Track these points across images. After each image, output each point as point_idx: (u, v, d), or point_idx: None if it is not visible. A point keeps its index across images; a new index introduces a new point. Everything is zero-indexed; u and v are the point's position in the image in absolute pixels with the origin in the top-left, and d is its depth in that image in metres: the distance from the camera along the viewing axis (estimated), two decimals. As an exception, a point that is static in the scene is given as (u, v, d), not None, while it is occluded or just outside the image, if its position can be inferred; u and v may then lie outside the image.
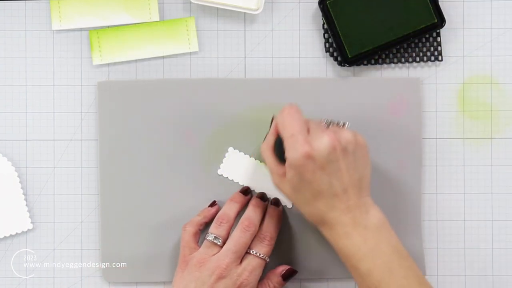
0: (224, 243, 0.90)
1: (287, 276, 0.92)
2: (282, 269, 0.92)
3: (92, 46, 0.95)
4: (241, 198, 0.93)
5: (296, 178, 0.84)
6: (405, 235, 0.94)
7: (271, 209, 0.92)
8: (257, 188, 0.95)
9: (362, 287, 0.84)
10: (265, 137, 0.90)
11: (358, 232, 0.84)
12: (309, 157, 0.83)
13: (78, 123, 0.96)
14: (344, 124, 0.88)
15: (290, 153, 0.84)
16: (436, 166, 0.96)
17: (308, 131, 0.85)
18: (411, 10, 0.93)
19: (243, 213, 0.91)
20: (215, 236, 0.90)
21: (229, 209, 0.92)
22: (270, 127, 0.89)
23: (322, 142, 0.83)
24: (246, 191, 0.93)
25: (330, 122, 0.88)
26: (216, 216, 0.92)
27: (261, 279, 0.92)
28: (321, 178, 0.84)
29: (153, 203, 0.95)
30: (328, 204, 0.84)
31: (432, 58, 0.96)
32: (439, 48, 0.96)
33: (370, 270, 0.83)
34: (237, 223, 0.91)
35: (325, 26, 0.95)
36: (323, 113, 0.94)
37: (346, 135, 0.84)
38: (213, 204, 0.94)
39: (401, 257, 0.84)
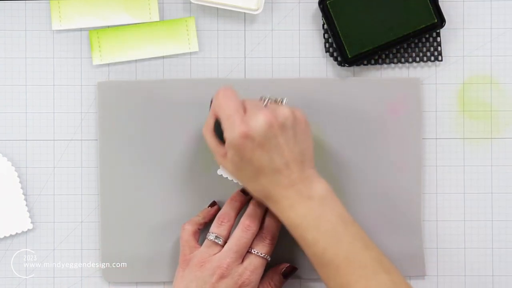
0: (225, 242, 0.90)
1: (288, 274, 0.92)
2: (282, 266, 0.92)
3: (92, 46, 0.95)
4: (241, 197, 0.93)
5: (236, 157, 0.85)
6: (405, 235, 0.94)
7: (272, 209, 0.92)
8: (257, 188, 0.95)
9: (309, 256, 0.85)
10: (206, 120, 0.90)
11: (302, 204, 0.85)
12: (246, 136, 0.84)
13: (78, 123, 0.96)
14: (282, 101, 0.88)
15: (228, 134, 0.85)
16: (436, 166, 0.96)
17: (245, 111, 0.85)
18: (411, 10, 0.93)
19: (243, 212, 0.91)
20: (216, 236, 0.90)
21: (229, 209, 0.92)
22: (209, 110, 0.89)
23: (258, 120, 0.84)
24: (246, 191, 0.93)
25: (268, 100, 0.88)
26: (217, 216, 0.92)
27: (262, 278, 0.92)
28: (261, 155, 0.84)
29: (153, 203, 0.95)
30: (271, 180, 0.85)
31: (432, 58, 0.96)
32: (439, 48, 0.96)
33: (315, 239, 0.84)
34: (238, 223, 0.91)
35: (325, 26, 0.95)
36: (323, 113, 0.94)
37: (283, 111, 0.85)
38: (213, 204, 0.94)
39: (346, 224, 0.85)
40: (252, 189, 0.87)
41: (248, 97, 0.93)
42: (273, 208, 0.87)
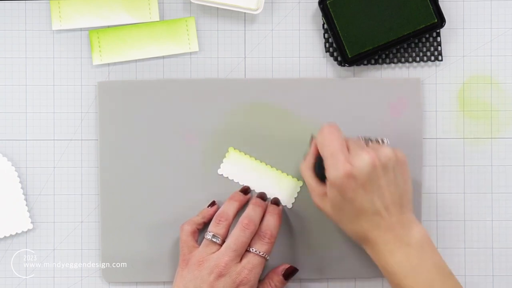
0: (223, 241, 0.90)
1: (288, 275, 0.92)
2: (283, 268, 0.92)
3: (92, 46, 0.95)
4: (240, 197, 0.93)
5: (337, 197, 0.85)
6: (405, 235, 0.94)
7: (271, 208, 0.92)
8: (257, 188, 0.95)
9: None
10: (304, 156, 0.90)
11: (401, 250, 0.84)
12: (350, 176, 0.83)
13: (78, 123, 0.96)
14: (383, 141, 0.88)
15: (331, 172, 0.84)
16: (436, 166, 0.96)
17: (348, 149, 0.85)
18: (411, 10, 0.93)
19: (243, 212, 0.91)
20: (213, 235, 0.90)
21: (228, 208, 0.92)
22: (309, 146, 0.89)
23: (363, 160, 0.83)
24: (245, 191, 0.94)
25: (368, 139, 0.88)
26: (215, 215, 0.92)
27: (262, 279, 0.92)
28: (363, 197, 0.84)
29: (153, 203, 0.95)
30: (370, 222, 0.85)
31: (432, 58, 0.96)
32: (439, 48, 0.96)
33: None
34: (236, 222, 0.91)
35: (325, 26, 0.95)
36: (323, 113, 0.94)
37: (386, 152, 0.85)
38: (212, 204, 0.94)
39: (443, 275, 0.85)
40: (350, 230, 0.87)
41: (248, 97, 0.94)
42: (370, 251, 0.86)
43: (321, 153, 0.86)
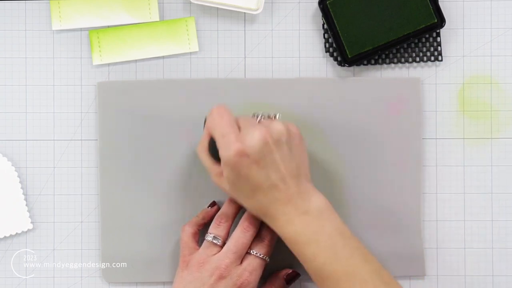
0: (223, 242, 0.90)
1: (290, 280, 0.92)
2: (285, 272, 0.93)
3: (92, 46, 0.95)
4: (239, 198, 0.93)
5: (232, 176, 0.85)
6: (405, 235, 0.94)
7: (271, 210, 0.92)
8: (257, 188, 0.95)
9: (309, 271, 0.85)
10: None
11: (300, 219, 0.85)
12: (242, 154, 0.84)
13: (78, 123, 0.96)
14: (275, 116, 0.88)
15: (224, 152, 0.84)
16: (436, 166, 0.96)
17: (239, 128, 0.85)
18: (411, 10, 0.93)
19: (243, 213, 0.91)
20: (214, 236, 0.90)
21: (228, 209, 0.92)
22: (203, 129, 0.89)
23: (253, 137, 0.84)
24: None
25: (261, 116, 0.88)
26: (215, 216, 0.92)
27: (264, 283, 0.92)
28: (258, 172, 0.84)
29: (153, 203, 0.95)
30: (268, 197, 0.85)
31: (432, 58, 0.96)
32: (439, 48, 0.96)
33: (314, 254, 0.84)
34: (237, 223, 0.91)
35: (325, 26, 0.95)
36: (323, 113, 0.94)
37: (277, 126, 0.85)
38: (212, 204, 0.94)
39: (345, 237, 0.85)
40: (249, 206, 0.87)
41: (248, 97, 0.94)
42: (271, 224, 0.87)
43: (213, 135, 0.86)
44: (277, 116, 0.89)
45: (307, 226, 0.84)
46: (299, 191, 0.85)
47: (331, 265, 0.83)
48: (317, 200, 0.86)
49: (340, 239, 0.84)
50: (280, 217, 0.85)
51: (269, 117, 0.89)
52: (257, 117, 0.88)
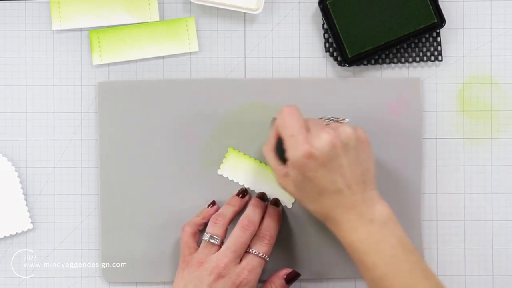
0: (221, 241, 0.90)
1: (290, 279, 0.92)
2: (285, 272, 0.92)
3: (92, 46, 0.95)
4: (237, 201, 0.93)
5: (299, 177, 0.85)
6: (405, 235, 0.94)
7: (271, 209, 0.92)
8: (257, 188, 0.95)
9: (367, 280, 0.85)
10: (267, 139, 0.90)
11: (363, 226, 0.84)
12: (310, 156, 0.83)
13: (78, 123, 0.96)
14: (343, 120, 0.88)
15: (291, 153, 0.84)
16: (436, 166, 0.96)
17: (308, 130, 0.85)
18: (411, 10, 0.93)
19: (242, 214, 0.92)
20: (210, 235, 0.90)
21: (225, 210, 0.92)
22: (270, 129, 0.89)
23: (322, 140, 0.83)
24: (242, 194, 0.93)
25: (330, 119, 0.88)
26: (212, 216, 0.92)
27: (264, 282, 0.92)
28: (324, 176, 0.84)
29: (153, 203, 0.95)
30: (333, 201, 0.85)
31: (432, 58, 0.96)
32: (439, 48, 0.96)
33: (375, 264, 0.83)
34: (236, 223, 0.91)
35: (325, 26, 0.95)
36: (323, 113, 0.94)
37: (346, 130, 0.85)
38: (212, 204, 0.94)
39: (406, 250, 0.84)
40: (312, 209, 0.87)
41: (248, 97, 0.94)
42: (333, 229, 0.86)
43: (281, 135, 0.86)
44: (346, 120, 0.88)
45: (370, 235, 0.84)
46: (364, 197, 0.85)
47: (390, 277, 0.83)
48: (381, 209, 0.85)
49: (401, 251, 0.84)
50: (343, 223, 0.85)
51: (337, 120, 0.88)
52: (327, 120, 0.88)
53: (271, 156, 0.88)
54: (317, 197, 0.85)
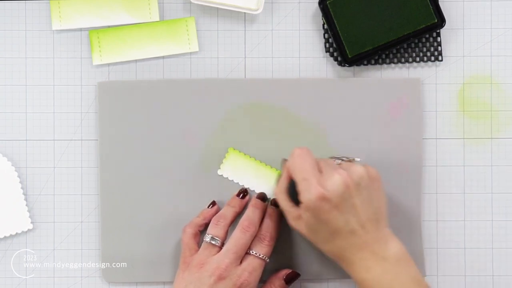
0: (222, 243, 0.90)
1: (290, 280, 0.92)
2: (285, 272, 0.92)
3: (92, 46, 0.95)
4: (237, 202, 0.93)
5: (312, 220, 0.85)
6: (405, 235, 0.94)
7: (271, 210, 0.92)
8: (257, 188, 0.95)
9: None
10: (277, 180, 0.90)
11: (377, 265, 0.84)
12: (323, 198, 0.84)
13: (78, 123, 0.96)
14: (354, 159, 0.88)
15: (305, 196, 0.84)
16: (436, 166, 0.96)
17: (320, 171, 0.85)
18: (411, 10, 0.93)
19: (242, 215, 0.92)
20: (212, 237, 0.90)
21: (226, 211, 0.92)
22: (281, 170, 0.90)
23: (335, 181, 0.84)
24: (243, 193, 0.93)
25: (341, 159, 0.88)
26: (213, 217, 0.92)
27: (264, 283, 0.92)
28: (337, 217, 0.84)
29: (153, 203, 0.95)
30: (346, 241, 0.85)
31: (432, 58, 0.96)
32: (439, 48, 0.96)
33: None
34: (236, 224, 0.91)
35: (325, 26, 0.95)
36: (323, 113, 0.94)
37: (358, 170, 0.85)
38: (212, 204, 0.94)
39: (420, 287, 0.85)
40: (325, 250, 0.87)
41: (248, 97, 0.94)
42: (346, 268, 0.86)
43: (294, 177, 0.86)
44: (357, 160, 0.89)
45: (384, 274, 0.84)
46: (377, 236, 0.85)
47: None
48: (394, 247, 0.85)
49: None
50: (357, 262, 0.85)
51: (348, 160, 0.88)
52: (338, 160, 0.88)
53: (283, 199, 0.88)
54: (331, 238, 0.85)
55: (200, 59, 0.96)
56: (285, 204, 0.88)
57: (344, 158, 0.89)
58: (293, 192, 0.86)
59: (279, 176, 0.90)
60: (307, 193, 0.84)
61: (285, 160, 0.89)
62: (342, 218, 0.84)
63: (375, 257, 0.84)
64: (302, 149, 0.86)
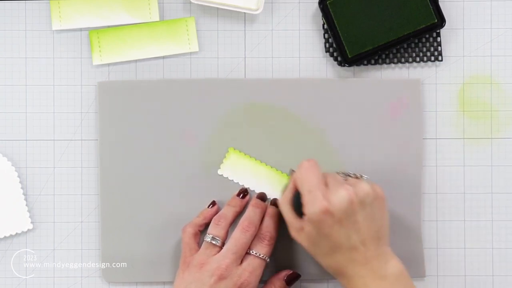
0: (223, 243, 0.90)
1: (291, 280, 0.92)
2: (286, 273, 0.93)
3: (92, 46, 0.95)
4: (238, 202, 0.93)
5: (314, 232, 0.85)
6: (405, 235, 0.94)
7: (271, 209, 0.92)
8: (257, 188, 0.95)
9: None
10: (283, 190, 0.90)
11: (376, 283, 0.85)
12: (327, 212, 0.84)
13: (78, 123, 0.96)
14: (361, 176, 0.88)
15: (309, 208, 0.84)
16: (436, 166, 0.96)
17: (326, 185, 0.85)
18: (411, 10, 0.93)
19: (243, 215, 0.92)
20: (212, 237, 0.90)
21: (226, 211, 0.92)
22: (289, 180, 0.90)
23: (340, 196, 0.84)
24: (243, 193, 0.93)
25: (347, 174, 0.88)
26: (214, 217, 0.92)
27: (265, 283, 0.92)
28: (339, 232, 0.84)
29: (153, 203, 0.95)
30: (346, 257, 0.85)
31: (432, 58, 0.96)
32: (439, 48, 0.96)
33: None
34: (237, 224, 0.91)
35: (325, 26, 0.95)
36: (323, 113, 0.94)
37: (364, 187, 0.85)
38: (212, 204, 0.94)
39: None
40: (325, 264, 0.87)
41: (248, 97, 0.94)
42: (344, 284, 0.87)
43: (299, 189, 0.86)
44: (365, 177, 0.89)
45: None
46: (377, 254, 0.85)
47: None
48: (394, 266, 0.86)
49: None
50: (355, 279, 0.85)
51: (356, 176, 0.89)
52: (345, 175, 0.88)
53: (287, 209, 0.88)
54: (331, 253, 0.86)
55: (200, 59, 0.96)
56: (288, 215, 0.88)
57: (351, 174, 0.89)
58: (297, 203, 0.87)
59: (285, 186, 0.90)
60: (311, 206, 0.84)
61: (293, 171, 0.89)
62: (344, 234, 0.84)
63: (373, 275, 0.85)
64: (310, 162, 0.87)
